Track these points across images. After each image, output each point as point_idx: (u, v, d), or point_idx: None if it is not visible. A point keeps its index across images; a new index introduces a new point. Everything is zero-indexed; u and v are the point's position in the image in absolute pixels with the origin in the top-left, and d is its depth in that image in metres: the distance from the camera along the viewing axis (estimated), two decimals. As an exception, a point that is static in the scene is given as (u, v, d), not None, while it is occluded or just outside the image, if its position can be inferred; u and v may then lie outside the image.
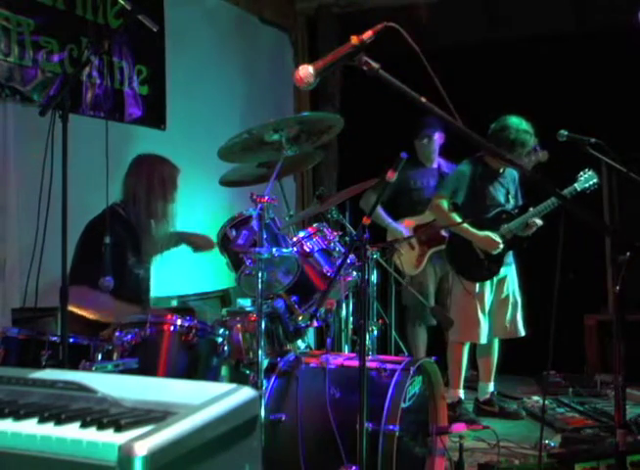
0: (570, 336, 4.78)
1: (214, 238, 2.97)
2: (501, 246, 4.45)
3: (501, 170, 4.60)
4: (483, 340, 4.56)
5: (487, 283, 4.55)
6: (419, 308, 5.02)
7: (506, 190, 4.63)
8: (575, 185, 4.33)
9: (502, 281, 4.62)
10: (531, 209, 4.44)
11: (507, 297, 4.63)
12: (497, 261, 4.53)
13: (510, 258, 4.62)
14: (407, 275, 5.07)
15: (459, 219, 4.47)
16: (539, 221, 4.45)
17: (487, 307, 4.56)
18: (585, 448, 3.43)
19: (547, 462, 3.32)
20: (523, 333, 4.65)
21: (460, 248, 4.57)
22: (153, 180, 3.36)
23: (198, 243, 3.69)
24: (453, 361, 4.61)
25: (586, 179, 4.35)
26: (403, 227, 5.16)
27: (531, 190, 4.55)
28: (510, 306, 4.63)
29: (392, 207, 5.20)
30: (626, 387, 1.80)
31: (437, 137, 5.16)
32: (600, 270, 5.63)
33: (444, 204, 4.53)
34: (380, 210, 5.11)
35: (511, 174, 4.67)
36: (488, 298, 4.57)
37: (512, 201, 4.64)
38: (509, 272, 4.64)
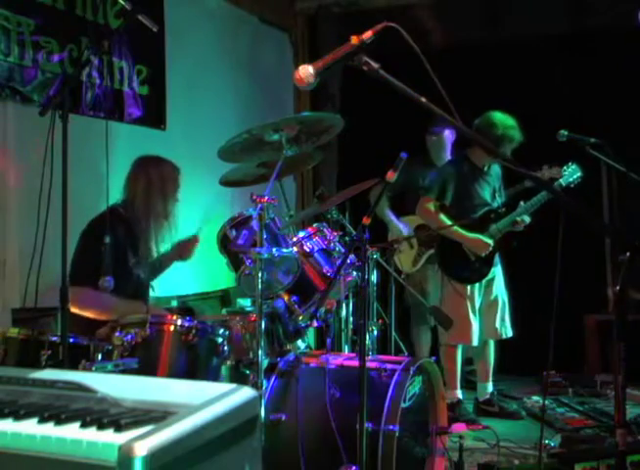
0: (570, 336, 4.78)
1: (215, 238, 2.97)
2: (491, 247, 4.45)
3: (486, 168, 4.58)
4: (475, 342, 4.54)
5: (476, 285, 4.54)
6: (421, 309, 5.00)
7: (492, 188, 4.60)
8: (560, 180, 4.32)
9: (490, 282, 4.60)
10: (522, 203, 4.42)
11: (496, 298, 4.62)
12: (487, 263, 4.51)
13: (496, 258, 4.59)
14: (404, 273, 5.06)
15: (448, 221, 4.43)
16: (527, 219, 4.44)
17: (477, 309, 4.55)
18: (585, 448, 3.44)
19: (547, 462, 3.32)
20: (510, 333, 4.63)
21: (450, 250, 4.54)
22: (152, 181, 3.36)
23: (178, 253, 3.66)
24: (448, 364, 4.58)
25: (570, 173, 4.34)
26: (404, 225, 5.15)
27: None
28: (499, 308, 4.61)
29: (399, 203, 5.19)
30: (626, 387, 1.80)
31: (448, 134, 5.00)
32: (600, 270, 5.64)
33: (432, 206, 4.48)
34: (385, 203, 5.12)
35: (495, 171, 4.64)
36: (478, 299, 4.56)
37: (498, 198, 4.62)
38: (496, 273, 4.62)
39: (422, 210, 4.57)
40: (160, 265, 3.63)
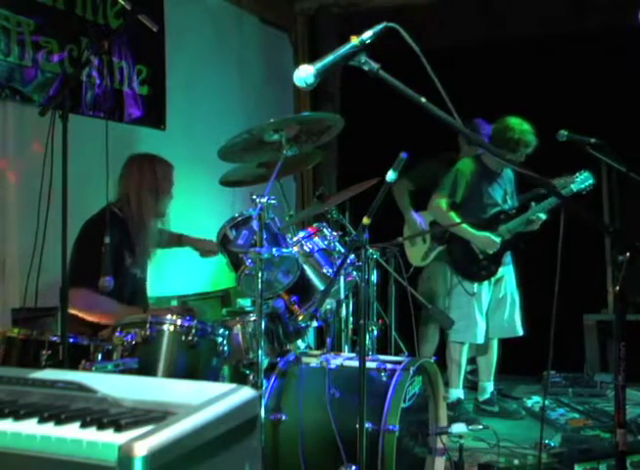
0: (570, 336, 4.78)
1: (215, 238, 2.97)
2: (498, 245, 4.47)
3: (499, 171, 4.62)
4: (481, 340, 4.58)
5: (485, 283, 4.57)
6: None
7: (504, 190, 4.65)
8: (572, 186, 4.35)
9: (499, 281, 4.64)
10: (534, 204, 4.44)
11: (504, 296, 4.65)
12: (495, 262, 4.55)
13: (508, 258, 4.64)
14: (412, 266, 5.05)
15: (458, 219, 4.49)
16: (543, 216, 4.45)
17: (485, 307, 4.58)
18: (585, 448, 3.43)
19: (547, 462, 3.32)
20: (520, 332, 4.67)
21: (459, 248, 4.59)
22: (145, 179, 3.35)
23: (206, 248, 3.69)
24: (452, 361, 4.62)
25: (582, 180, 4.37)
26: (421, 219, 5.15)
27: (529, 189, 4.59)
28: (508, 306, 4.65)
29: (420, 197, 5.19)
30: (626, 387, 1.80)
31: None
32: (600, 270, 5.64)
33: (443, 203, 4.55)
34: (407, 198, 5.14)
35: (508, 175, 4.69)
36: (486, 298, 4.59)
37: (509, 201, 4.66)
38: (506, 272, 4.66)
39: (433, 206, 4.64)
40: (178, 241, 3.63)
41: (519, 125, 4.43)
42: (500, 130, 4.47)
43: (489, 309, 4.61)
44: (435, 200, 4.59)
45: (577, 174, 4.40)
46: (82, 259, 3.04)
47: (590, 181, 4.38)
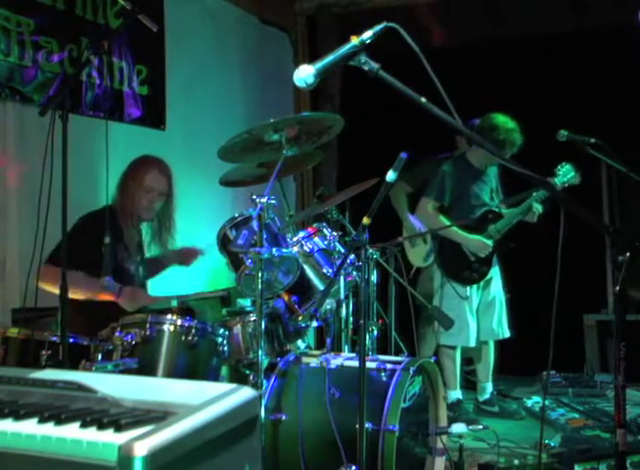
0: (570, 336, 4.78)
1: (215, 239, 2.96)
2: (490, 248, 4.45)
3: (483, 168, 4.59)
4: (473, 343, 4.53)
5: (474, 285, 4.54)
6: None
7: (490, 188, 4.62)
8: (555, 180, 4.30)
9: (488, 283, 4.61)
10: (535, 193, 4.39)
11: (494, 298, 4.62)
12: (487, 263, 4.52)
13: (494, 259, 4.59)
14: (414, 268, 5.04)
15: (447, 222, 4.46)
16: (540, 207, 4.42)
17: (475, 309, 4.55)
18: (585, 448, 3.43)
19: (547, 462, 3.32)
20: (508, 334, 4.64)
21: (449, 251, 4.55)
22: (138, 180, 3.37)
23: (181, 259, 3.70)
24: (447, 364, 4.58)
25: (564, 173, 4.31)
26: (419, 223, 5.15)
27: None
28: (497, 309, 4.61)
29: (417, 199, 5.19)
30: (626, 387, 1.80)
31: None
32: (600, 270, 5.64)
33: (430, 206, 4.51)
34: (404, 201, 5.12)
35: (493, 171, 4.64)
36: (476, 299, 4.56)
37: (496, 198, 4.63)
38: (494, 274, 4.62)
39: (421, 210, 4.61)
40: (161, 264, 3.64)
41: (503, 124, 4.35)
42: (485, 129, 4.36)
43: (479, 312, 4.57)
44: (422, 204, 4.55)
45: (559, 168, 4.30)
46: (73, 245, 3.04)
47: (572, 174, 4.31)
